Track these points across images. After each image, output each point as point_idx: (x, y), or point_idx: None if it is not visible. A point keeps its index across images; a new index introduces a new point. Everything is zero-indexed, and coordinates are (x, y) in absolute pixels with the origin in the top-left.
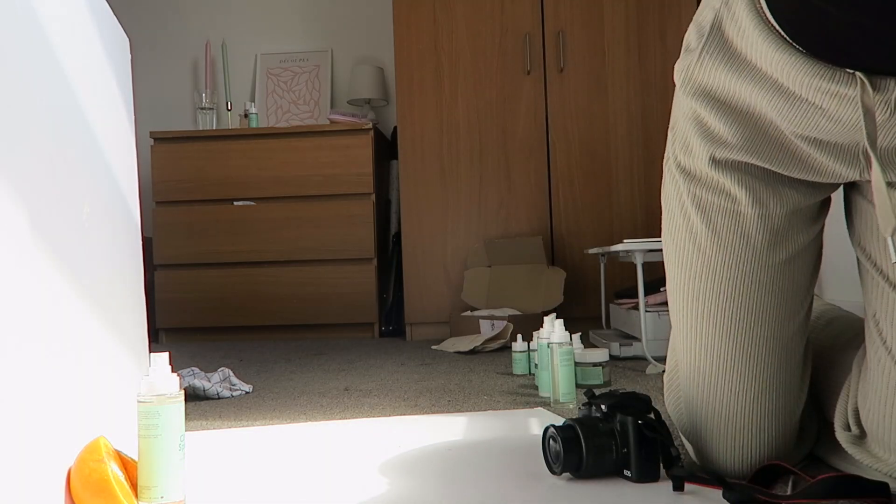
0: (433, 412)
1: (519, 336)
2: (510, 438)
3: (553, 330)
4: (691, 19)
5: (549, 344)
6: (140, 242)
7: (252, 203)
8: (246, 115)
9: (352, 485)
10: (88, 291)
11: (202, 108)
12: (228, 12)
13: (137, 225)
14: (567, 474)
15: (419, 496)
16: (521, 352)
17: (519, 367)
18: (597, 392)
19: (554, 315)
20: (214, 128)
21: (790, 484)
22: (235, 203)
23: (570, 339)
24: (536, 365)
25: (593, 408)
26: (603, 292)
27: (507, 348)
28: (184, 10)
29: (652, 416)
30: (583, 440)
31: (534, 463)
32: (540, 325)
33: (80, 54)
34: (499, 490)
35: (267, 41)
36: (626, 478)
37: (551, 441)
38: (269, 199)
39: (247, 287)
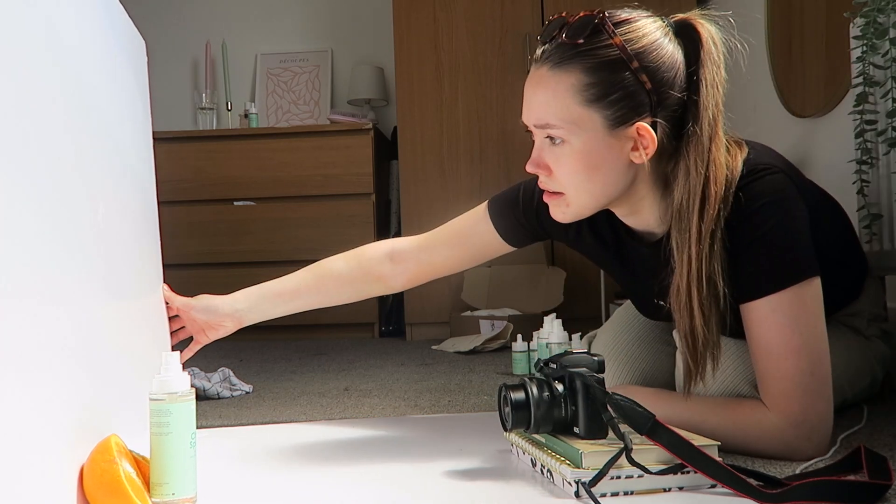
0: (433, 412)
1: (519, 336)
2: (479, 431)
3: (552, 330)
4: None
5: (547, 344)
6: (159, 242)
7: (252, 203)
8: (246, 115)
9: (352, 484)
10: (105, 291)
11: (202, 108)
12: (228, 12)
13: (156, 225)
14: None
15: (419, 496)
16: (521, 352)
17: (519, 367)
18: None
19: (554, 315)
20: (214, 128)
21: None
22: (235, 203)
23: (570, 339)
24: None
25: (549, 366)
26: (603, 292)
27: (507, 348)
28: (184, 10)
29: (602, 375)
30: (532, 398)
31: (502, 453)
32: (540, 325)
33: (99, 59)
34: (499, 490)
35: (267, 41)
36: (576, 435)
37: (503, 399)
38: (269, 199)
39: (247, 287)
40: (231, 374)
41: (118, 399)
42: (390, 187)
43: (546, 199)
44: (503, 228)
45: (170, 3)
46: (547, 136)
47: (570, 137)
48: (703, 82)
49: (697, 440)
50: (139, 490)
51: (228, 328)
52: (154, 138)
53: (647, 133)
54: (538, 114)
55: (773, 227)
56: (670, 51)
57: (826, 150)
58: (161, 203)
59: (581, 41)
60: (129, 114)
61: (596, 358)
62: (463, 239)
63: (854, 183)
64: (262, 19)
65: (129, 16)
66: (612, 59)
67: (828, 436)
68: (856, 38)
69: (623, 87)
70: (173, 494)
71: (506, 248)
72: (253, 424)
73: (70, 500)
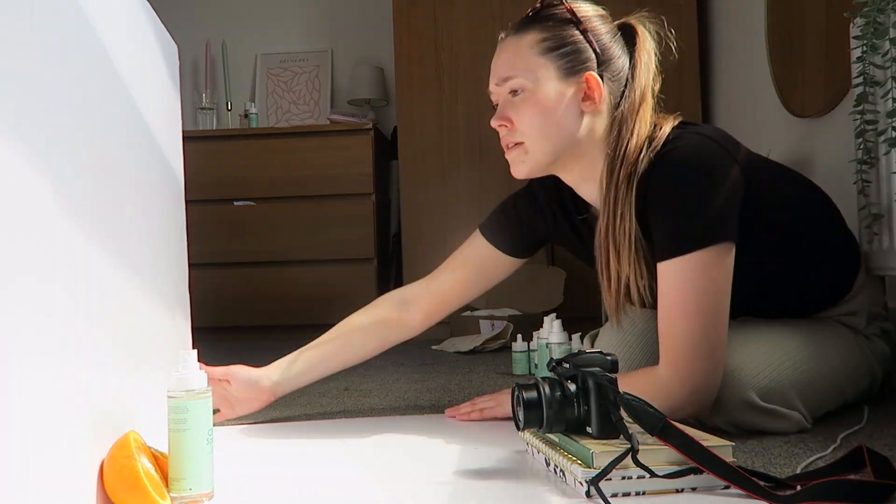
0: (433, 412)
1: (519, 336)
2: (510, 439)
3: (552, 330)
4: (691, 19)
5: (548, 344)
6: (185, 242)
7: (252, 203)
8: (246, 115)
9: (369, 482)
10: (128, 289)
11: (202, 108)
12: (228, 12)
13: (183, 226)
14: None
15: (431, 494)
16: (521, 352)
17: (519, 367)
18: None
19: (554, 315)
20: (214, 128)
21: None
22: (235, 203)
23: (570, 339)
24: (536, 365)
25: (562, 366)
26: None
27: (507, 348)
28: (184, 10)
29: (615, 375)
30: (544, 398)
31: (517, 453)
32: (540, 325)
33: (135, 62)
34: (510, 489)
35: (267, 41)
36: (588, 434)
37: (516, 399)
38: (269, 199)
39: (247, 287)
40: None
41: (141, 395)
42: (390, 187)
43: (508, 154)
44: (493, 238)
45: (170, 3)
46: (509, 91)
47: (527, 84)
48: (639, 60)
49: (711, 441)
50: (157, 485)
51: (262, 401)
52: None
53: (594, 81)
54: (500, 71)
55: (686, 193)
56: (612, 30)
57: (826, 150)
58: None
59: (538, 6)
60: (161, 116)
61: (609, 357)
62: (463, 261)
63: (855, 183)
64: (262, 19)
65: None
66: (564, 18)
67: (711, 397)
68: (856, 38)
69: (573, 42)
70: (190, 490)
71: (505, 260)
72: (254, 423)
73: (90, 494)
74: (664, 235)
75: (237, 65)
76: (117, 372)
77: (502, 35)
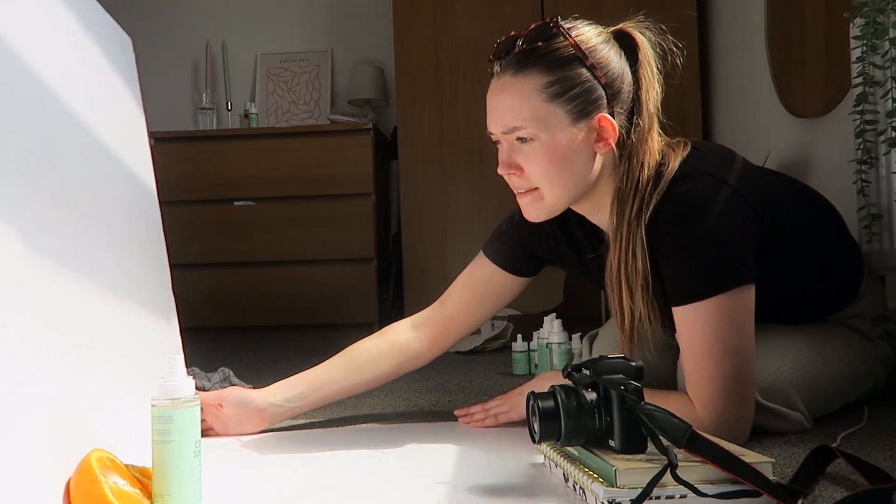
0: (433, 412)
1: (519, 336)
2: (526, 449)
3: (552, 330)
4: (691, 18)
5: (548, 344)
6: (163, 241)
7: (252, 203)
8: (246, 115)
9: (373, 498)
10: (106, 294)
11: (202, 108)
12: (228, 12)
13: (159, 223)
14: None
15: (418, 500)
16: (521, 352)
17: (519, 367)
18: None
19: (554, 315)
20: (214, 128)
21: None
22: (235, 203)
23: (570, 339)
24: (536, 365)
25: (581, 372)
26: (603, 292)
27: (507, 348)
28: (184, 10)
29: (639, 384)
30: (562, 409)
31: (534, 466)
32: (540, 325)
33: (79, 61)
34: (501, 495)
35: (267, 41)
36: (611, 448)
37: (531, 409)
38: (269, 199)
39: (247, 287)
40: (231, 373)
41: (123, 407)
42: (390, 187)
43: (520, 198)
44: (496, 257)
45: (170, 3)
46: (516, 138)
47: (539, 133)
48: (644, 79)
49: (749, 456)
50: (133, 500)
51: (258, 423)
52: (154, 138)
53: (607, 123)
54: (506, 119)
55: (700, 238)
56: (616, 49)
57: (826, 150)
58: (161, 203)
59: (540, 44)
60: (115, 112)
61: (634, 364)
62: (468, 283)
63: (854, 183)
64: (262, 19)
65: (129, 16)
66: (570, 56)
67: (746, 433)
68: (856, 38)
69: (581, 82)
70: None
71: (510, 280)
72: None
73: None
74: (681, 280)
75: (237, 65)
76: (93, 384)
77: (497, 69)
